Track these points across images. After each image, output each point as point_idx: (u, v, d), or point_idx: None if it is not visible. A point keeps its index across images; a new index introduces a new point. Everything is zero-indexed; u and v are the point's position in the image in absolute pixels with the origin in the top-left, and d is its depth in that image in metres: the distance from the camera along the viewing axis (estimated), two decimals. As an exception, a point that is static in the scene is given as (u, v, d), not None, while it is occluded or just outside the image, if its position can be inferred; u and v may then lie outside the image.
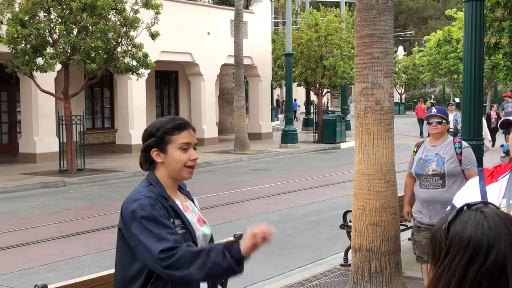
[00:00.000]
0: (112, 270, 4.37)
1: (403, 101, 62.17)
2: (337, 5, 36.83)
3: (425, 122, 6.06)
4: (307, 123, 35.35)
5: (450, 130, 17.24)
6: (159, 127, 2.82)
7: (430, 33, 44.41)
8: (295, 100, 49.81)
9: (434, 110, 5.94)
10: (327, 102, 49.90)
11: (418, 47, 52.79)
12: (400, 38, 66.26)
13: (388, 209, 6.21)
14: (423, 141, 6.11)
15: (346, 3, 33.26)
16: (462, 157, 5.82)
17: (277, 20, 52.48)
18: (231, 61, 24.75)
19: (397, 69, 55.94)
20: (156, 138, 2.79)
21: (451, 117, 17.39)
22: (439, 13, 67.78)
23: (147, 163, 2.86)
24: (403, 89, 62.29)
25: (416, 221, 5.98)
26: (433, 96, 58.40)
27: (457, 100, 39.91)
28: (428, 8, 70.52)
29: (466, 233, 1.43)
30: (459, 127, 17.33)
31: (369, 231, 6.20)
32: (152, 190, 2.74)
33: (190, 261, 2.52)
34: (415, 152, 6.05)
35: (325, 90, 29.37)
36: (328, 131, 26.80)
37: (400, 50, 61.56)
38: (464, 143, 5.98)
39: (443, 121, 5.87)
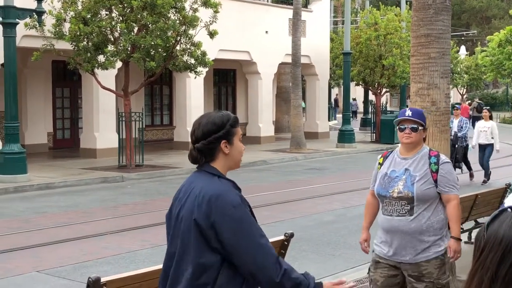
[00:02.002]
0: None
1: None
2: (398, 3, 36.38)
3: (396, 127, 4.66)
4: (365, 123, 35.05)
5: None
6: (226, 120, 2.94)
7: (494, 33, 43.39)
8: (354, 99, 49.37)
9: (408, 112, 4.56)
10: (386, 102, 49.31)
11: (481, 47, 51.67)
12: (463, 38, 64.92)
13: (443, 212, 6.10)
14: (391, 151, 4.75)
15: (406, 1, 32.80)
16: (439, 175, 4.47)
17: (336, 19, 52.16)
18: (289, 59, 24.75)
19: (458, 69, 54.86)
20: (225, 130, 2.91)
21: (455, 122, 15.54)
22: (503, 12, 66.10)
23: (204, 157, 2.93)
24: (465, 90, 61.03)
25: (375, 254, 4.73)
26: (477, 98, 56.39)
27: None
28: (492, 7, 68.90)
29: (500, 232, 1.47)
30: (460, 134, 15.29)
31: (423, 234, 6.11)
32: (234, 186, 2.90)
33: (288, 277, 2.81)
34: (381, 164, 4.68)
35: (383, 90, 29.06)
36: (386, 131, 26.50)
37: (463, 49, 60.31)
38: (443, 157, 4.59)
39: (420, 128, 4.52)
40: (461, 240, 4.78)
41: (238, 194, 2.86)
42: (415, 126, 4.50)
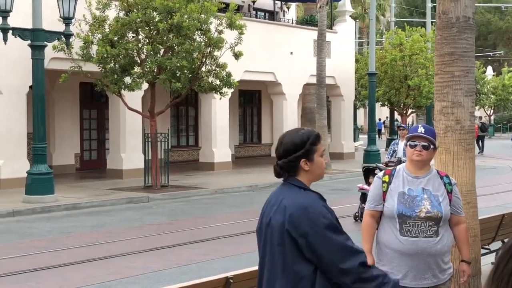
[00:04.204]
0: (186, 283, 4.46)
1: (491, 122, 60.34)
2: (423, 24, 36.32)
3: (406, 143, 4.44)
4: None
5: (392, 161, 13.98)
6: (305, 140, 3.14)
7: (521, 53, 43.09)
8: (379, 119, 49.17)
9: (421, 129, 4.35)
10: (412, 122, 49.02)
11: (507, 67, 51.24)
12: (489, 58, 64.49)
13: (468, 231, 6.03)
14: (393, 169, 4.51)
15: (432, 22, 32.72)
16: (453, 196, 4.37)
17: (361, 40, 52.19)
18: (314, 80, 24.78)
19: (485, 89, 54.46)
20: (305, 150, 3.13)
21: (401, 144, 14.25)
22: (531, 32, 65.61)
23: (287, 172, 3.16)
24: (492, 110, 60.51)
25: None
26: (482, 116, 54.26)
27: None
28: (519, 27, 68.43)
29: None
30: (404, 159, 12.38)
31: (448, 253, 6.05)
32: (319, 198, 3.11)
33: (372, 280, 3.01)
34: (387, 183, 4.40)
35: (409, 110, 28.94)
36: (412, 152, 26.28)
37: (489, 70, 59.89)
38: (452, 179, 4.55)
39: (431, 146, 4.33)
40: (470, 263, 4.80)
41: (324, 205, 3.08)
42: (426, 144, 4.32)
